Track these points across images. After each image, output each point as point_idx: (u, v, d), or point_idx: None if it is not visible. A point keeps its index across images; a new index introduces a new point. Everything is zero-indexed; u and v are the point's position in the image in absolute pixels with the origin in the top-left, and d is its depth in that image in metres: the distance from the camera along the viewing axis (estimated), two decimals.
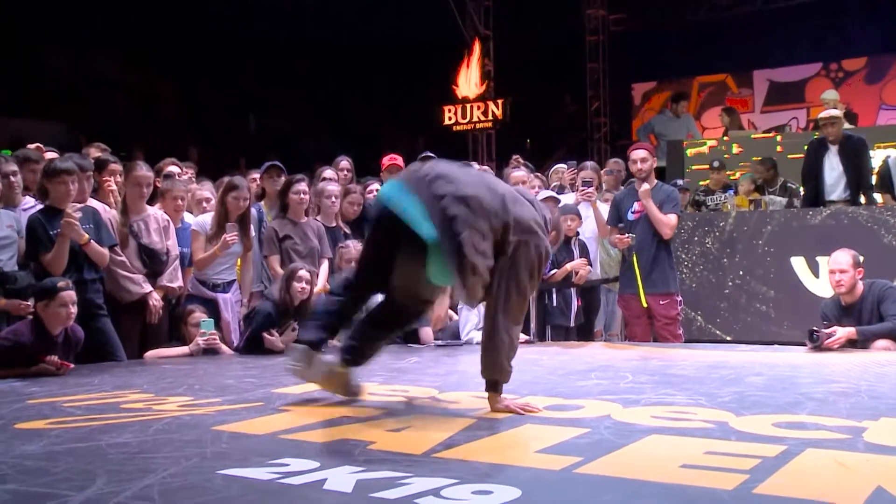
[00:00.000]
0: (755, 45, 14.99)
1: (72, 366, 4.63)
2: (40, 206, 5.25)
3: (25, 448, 2.71)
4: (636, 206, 6.45)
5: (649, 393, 3.67)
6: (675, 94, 14.75)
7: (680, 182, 9.04)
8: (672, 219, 6.38)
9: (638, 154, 6.45)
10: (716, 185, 9.32)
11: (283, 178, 6.55)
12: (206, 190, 6.26)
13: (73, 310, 4.61)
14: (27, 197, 5.50)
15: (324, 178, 6.94)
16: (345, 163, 7.59)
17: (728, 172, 9.74)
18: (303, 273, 5.54)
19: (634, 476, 2.31)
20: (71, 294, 4.59)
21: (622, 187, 7.65)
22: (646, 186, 6.33)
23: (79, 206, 5.13)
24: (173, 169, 6.67)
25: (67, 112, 13.53)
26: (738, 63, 15.19)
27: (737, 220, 7.58)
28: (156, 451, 2.66)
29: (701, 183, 9.90)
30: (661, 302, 6.40)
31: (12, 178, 5.35)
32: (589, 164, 7.57)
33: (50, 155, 6.00)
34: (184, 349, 5.43)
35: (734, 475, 2.27)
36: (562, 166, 8.11)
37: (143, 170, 5.74)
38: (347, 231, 6.62)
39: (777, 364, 4.77)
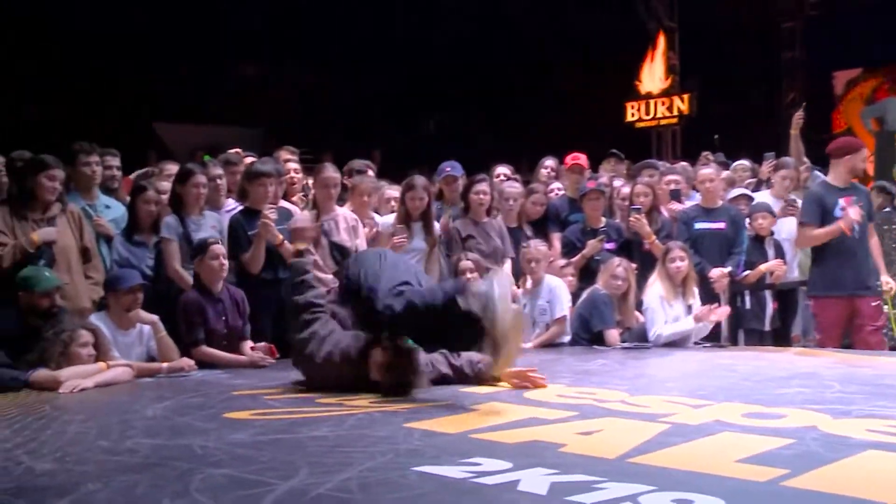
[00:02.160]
0: None
1: (275, 356, 5.00)
2: (240, 208, 5.59)
3: (235, 436, 2.91)
4: (842, 202, 5.94)
5: (861, 404, 3.44)
6: None
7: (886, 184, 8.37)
8: None
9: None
10: None
11: (459, 183, 6.64)
12: (394, 190, 6.43)
13: (224, 262, 5.01)
14: (229, 199, 5.87)
15: (502, 178, 6.99)
16: (550, 161, 7.59)
17: None
18: (466, 263, 5.63)
19: (855, 494, 2.17)
20: (220, 248, 5.01)
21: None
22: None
23: (274, 207, 5.42)
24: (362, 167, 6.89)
25: (260, 118, 14.37)
26: None
27: None
28: (352, 446, 2.78)
29: None
30: (871, 304, 5.95)
31: (218, 182, 5.72)
32: (789, 160, 7.16)
33: (249, 159, 6.38)
34: None
35: None
36: (743, 163, 7.75)
37: (331, 171, 5.99)
38: (529, 233, 6.62)
39: None
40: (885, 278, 6.16)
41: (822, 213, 5.94)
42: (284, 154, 6.74)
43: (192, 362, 4.71)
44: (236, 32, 14.55)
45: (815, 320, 6.41)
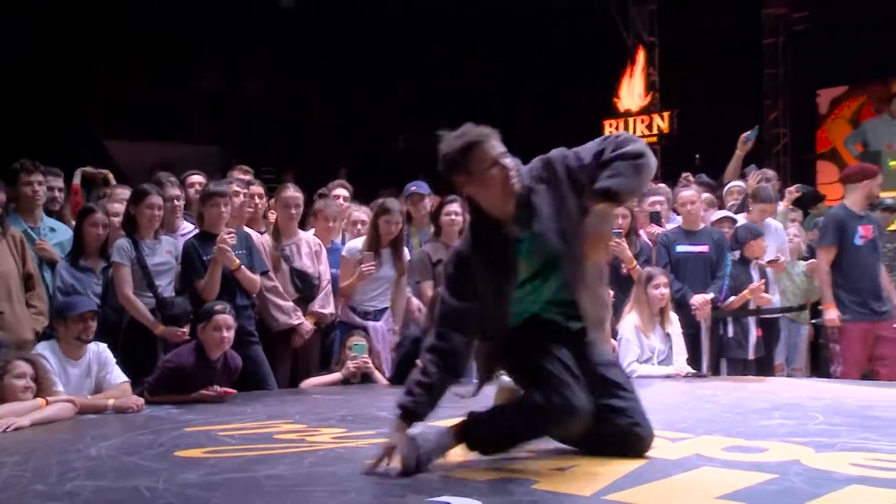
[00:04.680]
0: None
1: (234, 392, 4.87)
2: (196, 231, 5.55)
3: (186, 477, 2.87)
4: (861, 230, 6.33)
5: (845, 436, 3.48)
6: (891, 94, 13.82)
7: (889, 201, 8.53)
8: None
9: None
10: None
11: (426, 202, 6.65)
12: (363, 212, 6.39)
13: (228, 335, 4.85)
14: (185, 222, 5.82)
15: None
16: None
17: None
18: None
19: None
20: (227, 318, 4.84)
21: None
22: None
23: (232, 230, 5.38)
24: (339, 191, 6.84)
25: (219, 136, 14.32)
26: None
27: None
28: (312, 485, 2.76)
29: None
30: (894, 326, 6.27)
31: (176, 203, 5.68)
32: (769, 192, 7.22)
33: (196, 178, 6.33)
34: (337, 376, 5.58)
35: None
36: (737, 184, 7.85)
37: (291, 191, 5.95)
38: None
39: None
40: None
41: (841, 236, 6.31)
42: (238, 174, 6.69)
43: (140, 401, 4.61)
44: (195, 47, 14.54)
45: (840, 345, 6.43)
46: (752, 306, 6.42)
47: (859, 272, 6.32)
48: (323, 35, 14.46)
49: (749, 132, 7.93)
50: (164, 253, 5.39)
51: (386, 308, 6.05)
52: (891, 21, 13.89)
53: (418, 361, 5.40)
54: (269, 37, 14.48)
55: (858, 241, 6.33)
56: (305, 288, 5.80)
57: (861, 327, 6.27)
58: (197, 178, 6.32)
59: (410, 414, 3.03)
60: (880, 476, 2.76)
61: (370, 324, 5.94)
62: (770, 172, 7.89)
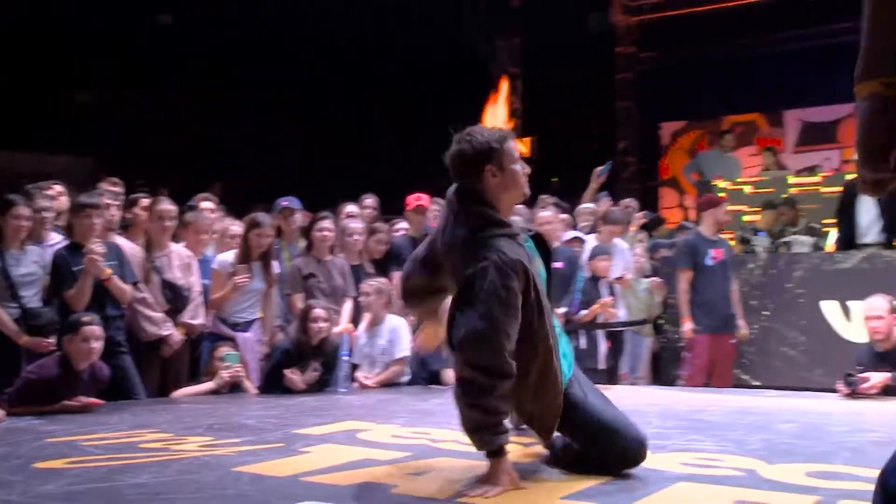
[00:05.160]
0: (786, 85, 14.98)
1: (100, 402, 4.67)
2: (66, 243, 5.33)
3: (44, 488, 2.74)
4: (713, 252, 6.82)
5: (676, 438, 3.64)
6: (723, 129, 14.56)
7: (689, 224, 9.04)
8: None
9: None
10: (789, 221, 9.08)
11: (297, 216, 6.61)
12: (237, 225, 6.28)
13: (96, 345, 4.66)
14: (53, 233, 5.58)
15: (347, 216, 7.00)
16: (370, 200, 7.66)
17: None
18: (318, 311, 5.57)
19: None
20: (94, 329, 4.65)
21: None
22: None
23: (101, 241, 5.19)
24: (205, 204, 6.71)
25: (90, 147, 13.76)
26: (769, 102, 15.16)
27: (767, 262, 7.53)
28: (175, 493, 2.68)
29: (745, 219, 9.76)
30: (730, 342, 6.84)
31: (44, 214, 5.44)
32: (618, 214, 7.55)
33: (58, 189, 6.07)
34: (209, 385, 5.45)
35: None
36: (588, 206, 8.14)
37: (166, 204, 5.82)
38: (371, 270, 6.65)
39: (808, 411, 4.71)
40: (741, 322, 6.92)
41: (694, 258, 6.84)
42: (107, 186, 6.47)
43: (1, 413, 4.34)
44: (66, 57, 13.93)
45: (691, 353, 6.93)
46: (600, 319, 6.64)
47: (710, 290, 6.78)
48: (200, 49, 14.12)
49: (602, 167, 8.30)
50: (31, 263, 5.16)
51: (255, 319, 5.97)
52: (723, 66, 14.76)
53: (286, 373, 5.42)
54: (146, 50, 14.02)
55: (709, 262, 6.83)
56: (176, 299, 5.65)
57: (709, 339, 6.74)
58: (58, 189, 6.07)
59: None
60: (704, 473, 2.91)
61: (240, 335, 5.84)
62: (632, 201, 8.64)
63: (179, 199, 6.51)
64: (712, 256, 6.83)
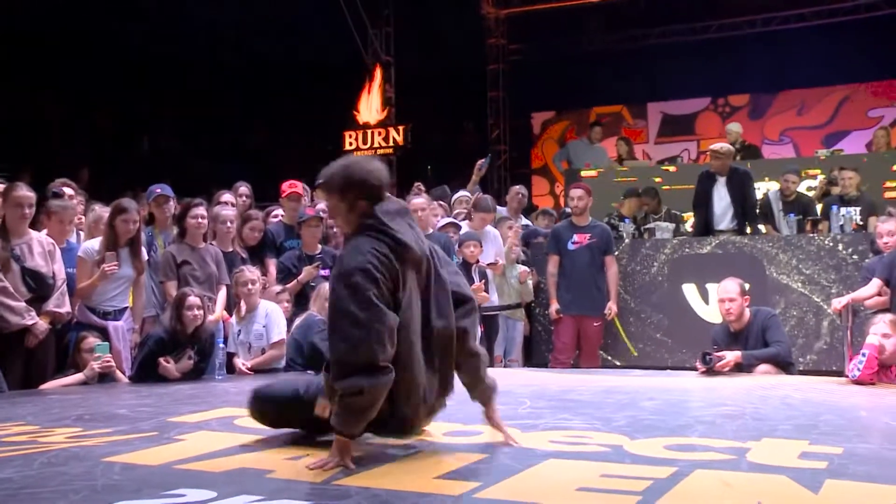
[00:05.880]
0: (649, 78, 15.60)
1: None
2: None
3: None
4: (576, 237, 7.20)
5: (547, 418, 3.76)
6: (592, 122, 14.98)
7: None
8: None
9: (576, 192, 7.35)
10: (651, 210, 9.42)
11: (170, 204, 6.44)
12: (106, 211, 6.05)
13: None
14: None
15: (219, 203, 6.86)
16: (244, 188, 7.54)
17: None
18: (192, 299, 5.45)
19: (532, 500, 2.37)
20: None
21: (536, 217, 8.86)
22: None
23: None
24: (66, 190, 6.45)
25: None
26: (634, 95, 15.75)
27: (631, 247, 7.83)
28: (41, 486, 2.58)
29: (614, 204, 10.06)
30: (594, 324, 7.13)
31: None
32: (488, 202, 7.68)
33: None
34: (79, 376, 5.24)
35: (628, 497, 2.36)
36: (464, 194, 8.24)
37: (24, 190, 5.53)
38: (244, 256, 6.55)
39: (669, 388, 4.94)
40: (610, 304, 7.20)
41: (558, 245, 7.28)
42: None
43: None
44: None
45: (554, 334, 7.37)
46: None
47: (573, 273, 7.16)
48: (65, 36, 13.48)
49: (483, 160, 8.53)
50: None
51: (126, 307, 5.78)
52: (590, 59, 15.23)
53: (161, 361, 5.28)
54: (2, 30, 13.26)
55: (572, 247, 7.21)
56: (39, 287, 5.38)
57: (573, 320, 7.11)
58: None
59: None
60: (573, 450, 3.02)
61: (110, 323, 5.65)
62: (521, 188, 8.91)
63: (42, 187, 6.23)
64: (574, 241, 7.20)
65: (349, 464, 2.79)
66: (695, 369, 5.65)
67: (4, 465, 2.86)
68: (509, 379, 5.52)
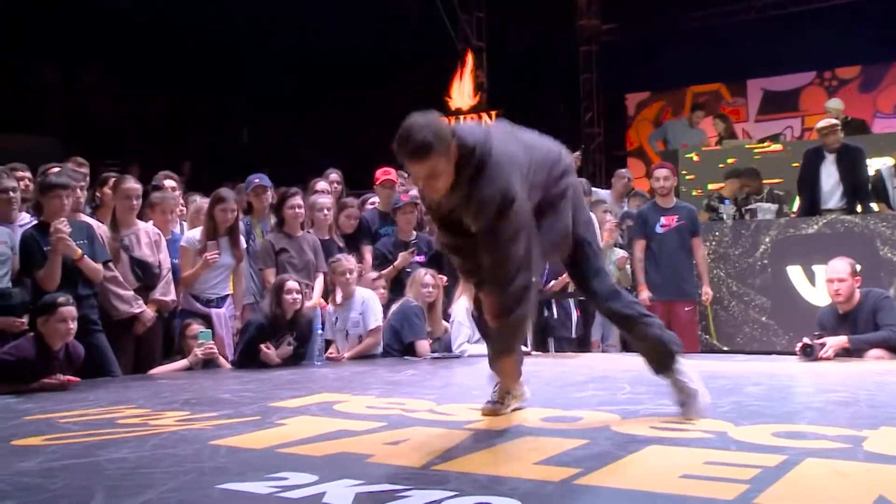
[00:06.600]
0: (748, 54, 15.05)
1: (77, 380, 4.65)
2: (35, 222, 5.25)
3: (23, 465, 2.72)
4: (664, 220, 6.95)
5: (647, 403, 3.69)
6: (694, 104, 14.60)
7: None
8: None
9: (661, 172, 7.12)
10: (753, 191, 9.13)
11: (268, 194, 6.58)
12: (206, 202, 6.23)
13: (73, 325, 4.65)
14: (23, 213, 5.49)
15: (316, 191, 6.97)
16: (334, 175, 7.64)
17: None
18: (291, 284, 5.56)
19: (634, 487, 2.33)
20: (70, 310, 4.62)
21: (627, 199, 8.55)
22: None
23: (67, 220, 5.10)
24: (168, 182, 6.66)
25: (57, 127, 13.52)
26: (732, 72, 15.22)
27: (733, 230, 7.61)
28: (154, 466, 2.67)
29: (710, 187, 9.80)
30: (685, 309, 6.86)
31: (11, 195, 5.34)
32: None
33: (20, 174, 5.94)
34: (183, 362, 5.43)
35: (734, 485, 2.28)
36: None
37: (132, 182, 5.76)
38: (341, 244, 6.64)
39: (775, 374, 4.79)
40: (705, 288, 7.00)
41: (645, 228, 6.98)
42: (72, 165, 6.38)
43: None
44: (30, 34, 13.64)
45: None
46: (571, 289, 6.67)
47: (664, 257, 6.89)
48: (163, 32, 13.90)
49: (577, 152, 8.35)
50: (0, 244, 5.07)
51: (227, 295, 5.94)
52: (685, 37, 14.81)
53: (262, 347, 5.41)
54: (109, 31, 13.75)
55: (660, 230, 6.90)
56: (146, 277, 5.60)
57: (662, 306, 6.73)
58: (22, 172, 5.96)
59: None
60: (672, 436, 2.95)
61: (213, 310, 5.83)
62: (626, 171, 8.98)
63: (147, 176, 6.44)
64: (662, 224, 6.95)
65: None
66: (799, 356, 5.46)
67: (121, 446, 2.98)
68: (608, 364, 5.47)
